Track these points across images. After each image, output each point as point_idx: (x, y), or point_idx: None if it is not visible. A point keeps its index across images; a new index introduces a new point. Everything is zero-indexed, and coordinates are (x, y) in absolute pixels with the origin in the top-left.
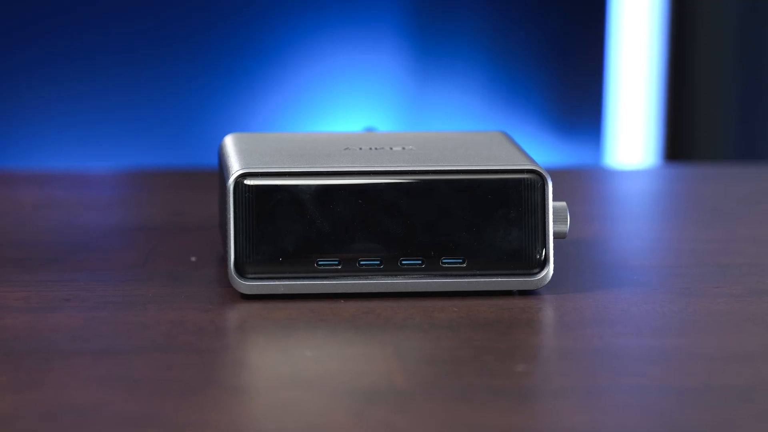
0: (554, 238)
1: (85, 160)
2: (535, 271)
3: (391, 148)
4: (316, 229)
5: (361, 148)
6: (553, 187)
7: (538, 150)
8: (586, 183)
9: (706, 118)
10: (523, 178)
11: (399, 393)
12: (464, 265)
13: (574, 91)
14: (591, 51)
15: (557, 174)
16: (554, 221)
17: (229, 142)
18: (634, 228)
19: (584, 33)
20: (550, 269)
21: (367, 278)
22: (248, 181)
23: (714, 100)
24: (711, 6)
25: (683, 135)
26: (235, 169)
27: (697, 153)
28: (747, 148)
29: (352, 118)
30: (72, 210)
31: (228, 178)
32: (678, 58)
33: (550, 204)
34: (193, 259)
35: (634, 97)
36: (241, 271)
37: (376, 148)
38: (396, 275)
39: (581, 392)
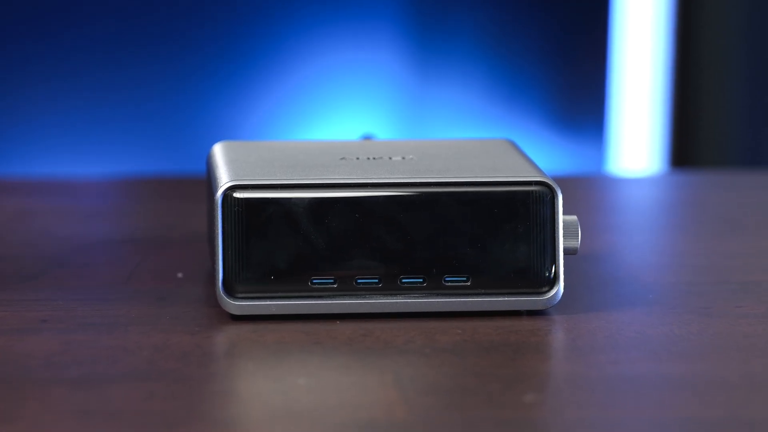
0: (564, 255)
1: (66, 167)
2: (544, 289)
3: (390, 158)
4: (311, 246)
5: (358, 158)
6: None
7: (540, 149)
8: (592, 191)
9: (712, 123)
10: (532, 191)
11: (398, 426)
12: (468, 283)
13: (577, 89)
14: (594, 50)
15: (562, 182)
16: (564, 236)
17: (218, 151)
18: (647, 240)
19: (587, 32)
20: (560, 288)
21: (364, 298)
22: (238, 194)
23: (720, 106)
24: (717, 8)
25: (689, 140)
26: (224, 180)
27: (702, 159)
28: (754, 155)
29: (349, 117)
30: (51, 221)
31: (216, 191)
32: (684, 61)
33: (560, 218)
34: (179, 275)
35: (639, 100)
36: (230, 290)
37: (374, 158)
38: (396, 294)
39: (596, 426)
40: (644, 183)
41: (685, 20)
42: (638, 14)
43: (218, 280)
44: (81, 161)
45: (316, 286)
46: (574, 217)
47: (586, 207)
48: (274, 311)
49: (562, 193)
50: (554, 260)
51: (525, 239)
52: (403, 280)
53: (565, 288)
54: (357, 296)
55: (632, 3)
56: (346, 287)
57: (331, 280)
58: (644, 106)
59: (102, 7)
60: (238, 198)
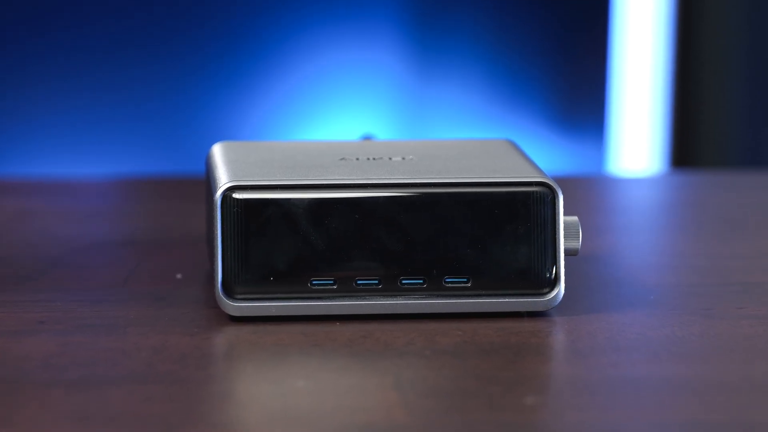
0: (565, 256)
1: (66, 167)
2: (545, 291)
3: (390, 159)
4: (310, 247)
5: (358, 159)
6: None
7: (540, 149)
8: (592, 191)
9: (713, 123)
10: (532, 191)
11: (398, 429)
12: (469, 284)
13: (577, 89)
14: (594, 49)
15: (562, 183)
16: (565, 237)
17: (217, 151)
18: (648, 241)
19: (587, 31)
20: (560, 289)
21: (364, 299)
22: (237, 195)
23: (720, 106)
24: (717, 8)
25: (689, 140)
26: (223, 181)
27: (703, 159)
28: (754, 155)
29: (349, 117)
30: (50, 222)
31: (215, 191)
32: (684, 61)
33: (561, 219)
34: (178, 276)
35: (639, 100)
36: (229, 292)
37: (374, 159)
38: (396, 296)
39: (597, 428)
40: (645, 183)
41: (686, 20)
42: (638, 14)
43: (217, 281)
44: (80, 161)
45: (316, 287)
46: (575, 218)
47: (587, 207)
48: (273, 312)
49: (563, 193)
50: (555, 261)
51: (526, 240)
52: (404, 281)
53: (565, 289)
54: (357, 297)
55: (633, 3)
56: (346, 288)
57: (331, 282)
58: (644, 106)
59: (102, 7)
60: (237, 199)
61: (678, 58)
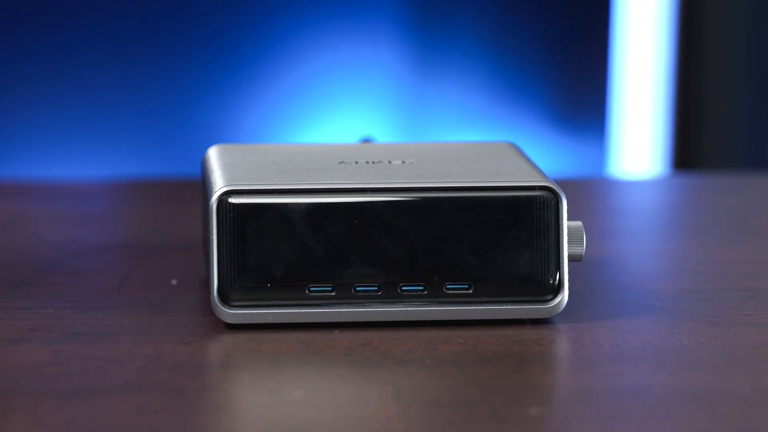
0: (569, 262)
1: (59, 170)
2: (548, 297)
3: (390, 162)
4: (308, 252)
5: (357, 162)
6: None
7: (541, 150)
8: (595, 195)
9: (715, 125)
10: (535, 196)
11: None
12: (470, 291)
13: (579, 89)
14: (596, 49)
15: (564, 186)
16: (569, 243)
17: (213, 154)
18: (653, 246)
19: (589, 31)
20: (564, 296)
21: (363, 306)
22: (233, 200)
23: (723, 107)
24: (720, 8)
25: (691, 142)
26: (219, 185)
27: (704, 161)
28: (757, 156)
29: (348, 118)
30: (43, 226)
31: (211, 196)
32: (686, 62)
33: (565, 224)
34: (173, 282)
35: (641, 101)
36: (225, 298)
37: (373, 162)
38: (396, 303)
39: None
40: (647, 186)
41: (688, 20)
42: (640, 14)
43: (213, 287)
44: (74, 163)
45: (314, 294)
46: (578, 223)
47: (589, 211)
48: (270, 320)
49: (566, 197)
50: (558, 267)
51: (528, 246)
52: (404, 288)
53: (569, 295)
54: (356, 305)
55: (634, 2)
56: (345, 295)
57: (329, 288)
58: (646, 107)
59: (97, 7)
60: (233, 203)
61: (680, 59)
